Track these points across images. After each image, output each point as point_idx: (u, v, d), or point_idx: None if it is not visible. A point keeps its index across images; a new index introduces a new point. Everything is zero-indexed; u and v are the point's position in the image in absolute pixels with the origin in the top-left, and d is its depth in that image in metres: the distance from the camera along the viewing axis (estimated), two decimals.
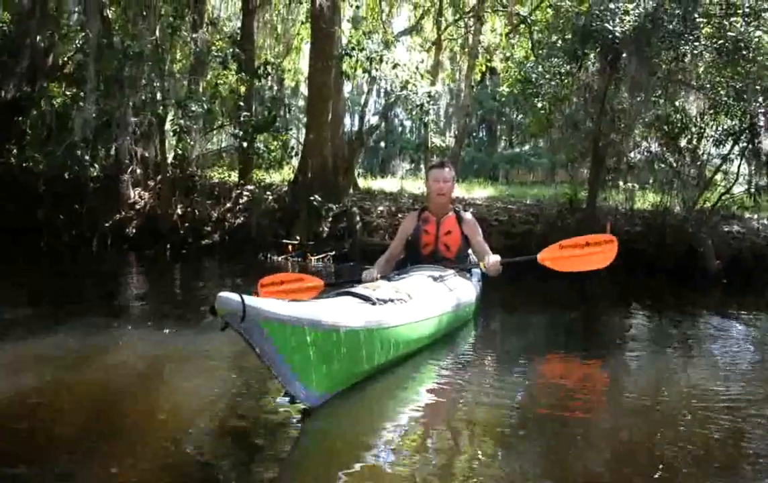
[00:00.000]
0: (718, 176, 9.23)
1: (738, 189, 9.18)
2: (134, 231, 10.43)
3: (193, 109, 10.25)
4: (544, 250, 4.86)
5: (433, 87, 11.97)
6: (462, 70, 17.03)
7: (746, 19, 7.74)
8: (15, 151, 11.19)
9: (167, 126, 10.75)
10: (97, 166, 10.65)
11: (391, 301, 3.43)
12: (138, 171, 11.01)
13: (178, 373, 3.60)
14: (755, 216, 9.14)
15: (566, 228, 8.45)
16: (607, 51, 7.88)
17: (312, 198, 9.72)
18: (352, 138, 12.07)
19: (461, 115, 16.71)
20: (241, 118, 10.96)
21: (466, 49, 15.40)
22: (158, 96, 10.24)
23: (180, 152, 10.93)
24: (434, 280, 4.29)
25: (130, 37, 10.20)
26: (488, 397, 3.29)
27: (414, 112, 11.46)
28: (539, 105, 9.78)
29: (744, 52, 7.56)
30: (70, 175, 10.10)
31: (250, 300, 2.49)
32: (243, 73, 11.18)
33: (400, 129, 29.00)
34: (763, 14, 7.79)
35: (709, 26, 7.88)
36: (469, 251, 4.98)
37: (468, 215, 5.03)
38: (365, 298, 3.31)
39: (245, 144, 10.94)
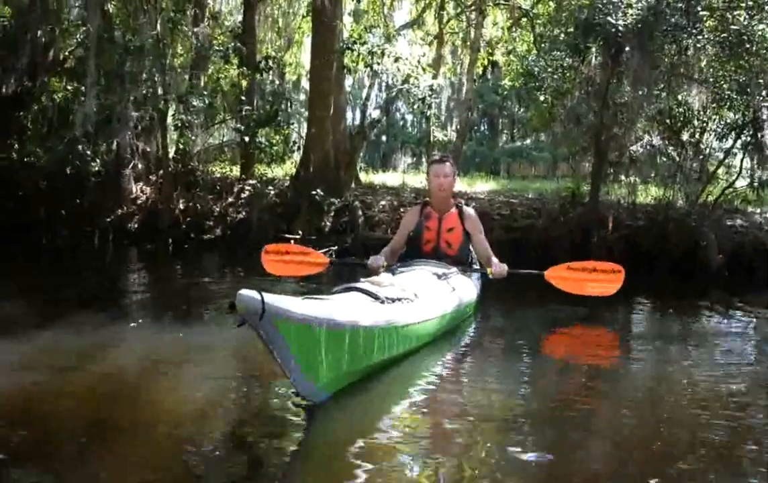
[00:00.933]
0: (721, 170, 9.20)
1: (741, 183, 9.16)
2: (135, 226, 10.42)
3: (195, 103, 10.21)
4: (552, 268, 4.94)
5: (435, 80, 11.93)
6: (464, 64, 16.95)
7: (750, 12, 7.69)
8: (16, 146, 11.16)
9: (168, 121, 10.71)
10: (98, 161, 10.62)
11: (399, 300, 3.48)
12: (139, 166, 10.97)
13: (180, 368, 3.60)
14: (758, 210, 9.11)
15: (568, 222, 8.45)
16: (609, 44, 7.84)
17: (314, 192, 9.70)
18: (354, 132, 12.03)
19: (463, 109, 16.65)
20: (243, 113, 10.93)
21: (468, 43, 15.33)
22: (159, 90, 10.19)
23: (181, 147, 10.90)
24: (438, 277, 4.32)
25: (131, 31, 10.16)
26: (490, 392, 3.29)
27: (416, 106, 11.42)
28: (541, 98, 9.76)
29: (747, 46, 7.52)
30: (71, 170, 10.07)
31: (269, 298, 2.51)
32: (244, 68, 11.14)
33: (401, 123, 28.94)
34: (766, 7, 7.75)
35: (712, 19, 7.83)
36: (470, 248, 4.99)
37: (471, 211, 5.02)
38: (374, 296, 3.35)
39: (247, 138, 10.90)
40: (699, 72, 8.40)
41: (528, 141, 25.47)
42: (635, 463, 2.47)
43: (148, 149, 11.00)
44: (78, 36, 10.94)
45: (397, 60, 10.62)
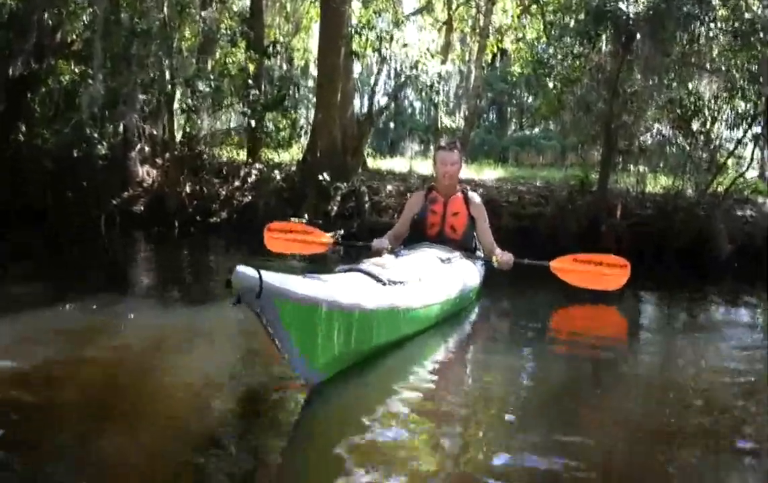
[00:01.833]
0: (731, 160, 9.11)
1: (751, 173, 9.08)
2: (142, 209, 10.41)
3: (202, 87, 10.18)
4: (558, 259, 4.93)
5: (443, 67, 11.86)
6: (473, 51, 16.84)
7: (763, 1, 7.61)
8: (24, 129, 11.17)
9: (175, 104, 10.69)
10: (105, 143, 10.61)
11: (401, 283, 3.42)
12: (146, 149, 10.96)
13: (184, 350, 3.60)
14: None
15: (577, 210, 8.40)
16: (620, 32, 7.77)
17: (321, 177, 9.67)
18: (362, 118, 11.97)
19: (472, 97, 16.57)
20: (250, 97, 10.88)
21: (477, 30, 15.24)
22: (166, 74, 10.17)
23: (188, 130, 10.89)
24: (442, 261, 4.27)
25: (138, 14, 10.11)
26: (493, 379, 3.27)
27: (424, 93, 11.36)
28: (551, 86, 9.68)
29: (760, 35, 7.44)
30: (78, 153, 10.07)
31: (267, 275, 2.44)
32: (252, 52, 11.10)
33: (410, 110, 28.82)
34: None
35: (725, 8, 7.74)
36: (475, 235, 4.95)
37: (476, 197, 4.99)
38: (376, 278, 3.29)
39: (254, 123, 10.88)
40: (710, 61, 8.32)
41: (537, 130, 25.34)
42: (641, 451, 2.44)
43: (155, 132, 10.97)
44: (85, 18, 10.89)
45: (405, 46, 10.55)
